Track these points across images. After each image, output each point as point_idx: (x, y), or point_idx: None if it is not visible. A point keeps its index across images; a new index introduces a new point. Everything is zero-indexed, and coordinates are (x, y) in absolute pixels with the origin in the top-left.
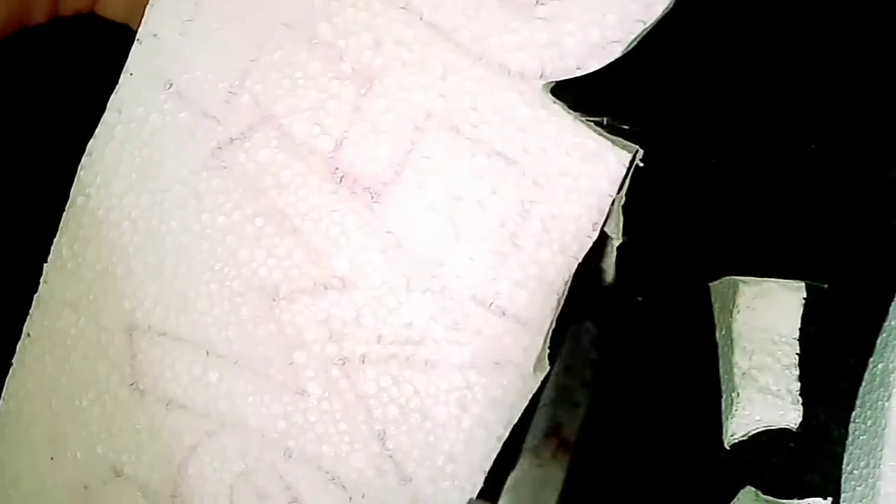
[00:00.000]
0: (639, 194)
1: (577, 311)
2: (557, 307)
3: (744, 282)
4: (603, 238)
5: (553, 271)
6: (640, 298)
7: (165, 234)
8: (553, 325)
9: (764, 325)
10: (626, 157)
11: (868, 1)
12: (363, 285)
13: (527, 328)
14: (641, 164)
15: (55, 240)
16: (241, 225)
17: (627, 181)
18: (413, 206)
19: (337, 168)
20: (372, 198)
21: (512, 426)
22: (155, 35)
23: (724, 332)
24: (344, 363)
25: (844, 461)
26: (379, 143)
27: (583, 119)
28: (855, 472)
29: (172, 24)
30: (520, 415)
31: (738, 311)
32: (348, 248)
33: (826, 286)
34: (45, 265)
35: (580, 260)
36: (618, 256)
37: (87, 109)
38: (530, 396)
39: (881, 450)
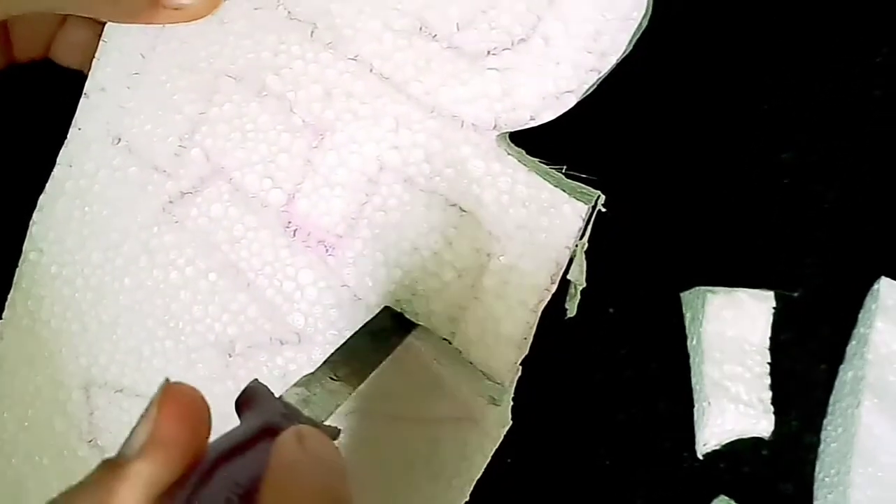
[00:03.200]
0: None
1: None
2: (518, 360)
3: (712, 292)
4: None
5: (512, 324)
6: (611, 310)
7: (119, 290)
8: (516, 379)
9: (734, 335)
10: (583, 208)
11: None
12: (320, 340)
13: (486, 381)
14: (604, 210)
15: (9, 296)
16: (194, 280)
17: (589, 228)
18: (368, 259)
19: (290, 222)
20: (326, 251)
21: (474, 483)
22: (102, 89)
23: (694, 342)
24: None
25: (816, 469)
26: (332, 197)
27: (543, 164)
28: (826, 479)
29: (119, 78)
30: (482, 471)
31: (708, 321)
32: (304, 303)
33: (796, 295)
34: (0, 322)
35: (539, 313)
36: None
37: (42, 156)
38: (493, 451)
39: (851, 458)
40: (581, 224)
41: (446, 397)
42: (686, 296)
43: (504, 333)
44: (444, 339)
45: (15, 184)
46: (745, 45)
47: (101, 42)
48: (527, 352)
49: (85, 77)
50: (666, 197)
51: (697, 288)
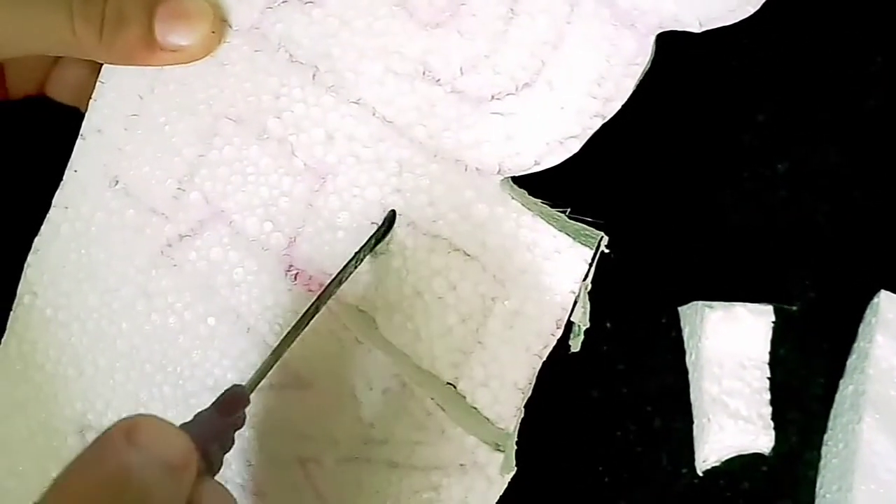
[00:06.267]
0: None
1: None
2: (522, 405)
3: (710, 307)
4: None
5: (516, 370)
6: (608, 325)
7: (116, 335)
8: (518, 424)
9: (733, 350)
10: (588, 253)
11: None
12: (322, 385)
13: (491, 427)
14: (607, 251)
15: (3, 339)
16: (193, 325)
17: (592, 270)
18: (371, 304)
19: (291, 265)
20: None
21: None
22: (99, 131)
23: (693, 358)
24: (304, 465)
25: (817, 485)
26: (334, 241)
27: (547, 207)
28: (827, 496)
29: (117, 119)
30: None
31: (707, 336)
32: (306, 348)
33: (795, 308)
34: None
35: (544, 358)
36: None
37: (37, 196)
38: (497, 499)
39: (853, 473)
40: (585, 268)
41: (449, 444)
42: (684, 311)
43: (509, 378)
44: (448, 384)
45: (9, 225)
46: (739, 56)
47: (98, 83)
48: (529, 394)
49: (80, 113)
50: (662, 211)
51: (695, 303)
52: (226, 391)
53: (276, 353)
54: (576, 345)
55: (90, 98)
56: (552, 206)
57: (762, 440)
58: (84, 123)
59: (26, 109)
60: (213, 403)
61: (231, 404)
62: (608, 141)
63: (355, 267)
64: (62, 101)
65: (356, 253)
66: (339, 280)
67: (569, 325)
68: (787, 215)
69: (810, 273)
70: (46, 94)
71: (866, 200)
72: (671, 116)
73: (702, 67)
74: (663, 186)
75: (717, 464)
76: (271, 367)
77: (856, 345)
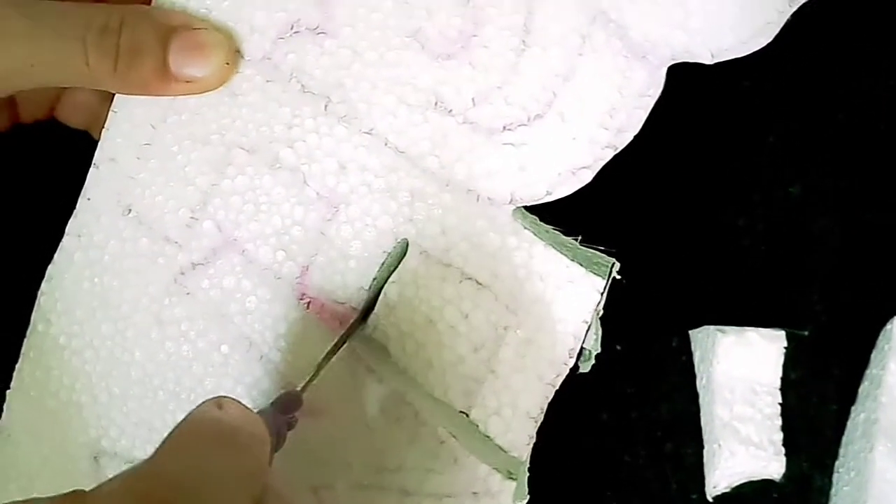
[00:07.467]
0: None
1: None
2: (534, 433)
3: (722, 331)
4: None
5: (529, 398)
6: (618, 347)
7: (129, 363)
8: (530, 452)
9: (745, 375)
10: (600, 283)
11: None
12: (335, 413)
13: (503, 455)
14: (619, 277)
15: (17, 366)
16: (207, 353)
17: (604, 296)
18: (383, 333)
19: (304, 294)
20: (340, 324)
21: None
22: (112, 159)
23: (704, 382)
24: (317, 491)
25: None
26: (346, 270)
27: (559, 233)
28: None
29: (130, 148)
30: None
31: (718, 361)
32: (318, 376)
33: (806, 333)
34: (7, 392)
35: (557, 387)
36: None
37: (50, 223)
38: None
39: (865, 503)
40: (598, 298)
41: (462, 472)
42: (695, 335)
43: (521, 407)
44: (461, 413)
45: (23, 252)
46: (750, 77)
47: (110, 112)
48: (541, 420)
49: (91, 137)
50: (674, 234)
51: (707, 327)
52: (282, 394)
53: (326, 359)
54: (586, 367)
55: (101, 123)
56: (564, 234)
57: (773, 466)
58: (97, 152)
59: (37, 134)
60: (271, 403)
61: (287, 404)
62: (619, 164)
63: (375, 298)
64: (72, 126)
65: (372, 285)
66: (369, 309)
67: (579, 349)
68: (798, 238)
69: (822, 297)
70: (57, 118)
71: (879, 224)
72: (682, 138)
73: (713, 89)
74: (675, 210)
75: (728, 490)
76: (320, 371)
77: (868, 371)
